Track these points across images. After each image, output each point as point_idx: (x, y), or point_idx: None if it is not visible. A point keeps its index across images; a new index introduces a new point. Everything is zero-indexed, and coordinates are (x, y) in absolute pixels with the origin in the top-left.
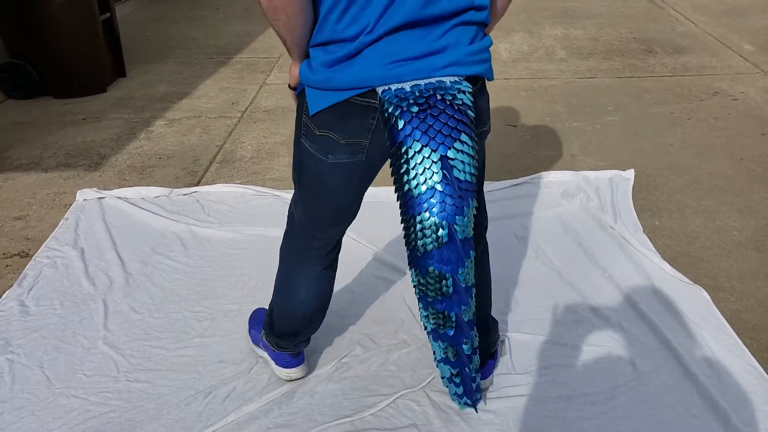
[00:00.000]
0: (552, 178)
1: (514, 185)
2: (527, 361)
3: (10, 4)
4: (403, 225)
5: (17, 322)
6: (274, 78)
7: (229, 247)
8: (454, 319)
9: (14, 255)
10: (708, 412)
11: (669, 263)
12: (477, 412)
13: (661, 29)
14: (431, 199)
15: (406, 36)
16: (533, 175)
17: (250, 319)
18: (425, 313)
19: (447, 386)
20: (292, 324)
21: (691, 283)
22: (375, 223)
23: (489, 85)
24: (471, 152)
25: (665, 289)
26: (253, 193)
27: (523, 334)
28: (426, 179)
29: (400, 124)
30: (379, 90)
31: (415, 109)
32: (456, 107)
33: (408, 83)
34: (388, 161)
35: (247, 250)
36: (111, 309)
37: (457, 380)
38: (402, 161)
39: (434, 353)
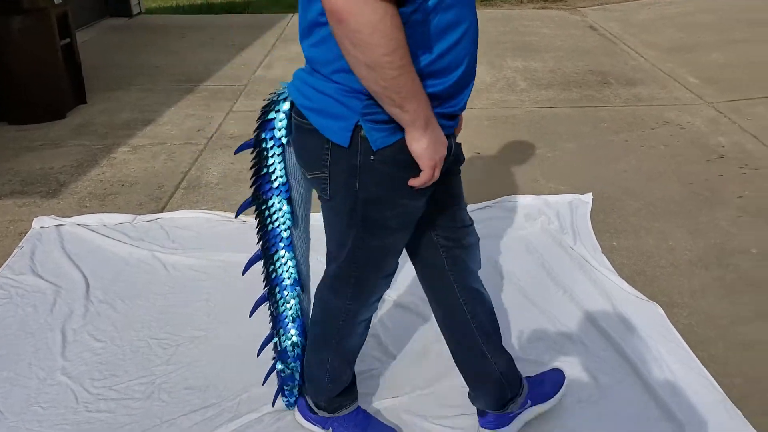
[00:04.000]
0: (515, 202)
1: (480, 209)
2: None
3: None
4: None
5: None
6: (241, 105)
7: (194, 273)
8: None
9: None
10: (665, 422)
11: (626, 281)
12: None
13: (614, 63)
14: None
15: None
16: (498, 199)
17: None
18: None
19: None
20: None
21: (647, 300)
22: None
23: None
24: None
25: (623, 306)
26: (219, 219)
27: None
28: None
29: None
30: None
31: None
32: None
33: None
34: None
35: (212, 275)
36: (69, 338)
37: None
38: None
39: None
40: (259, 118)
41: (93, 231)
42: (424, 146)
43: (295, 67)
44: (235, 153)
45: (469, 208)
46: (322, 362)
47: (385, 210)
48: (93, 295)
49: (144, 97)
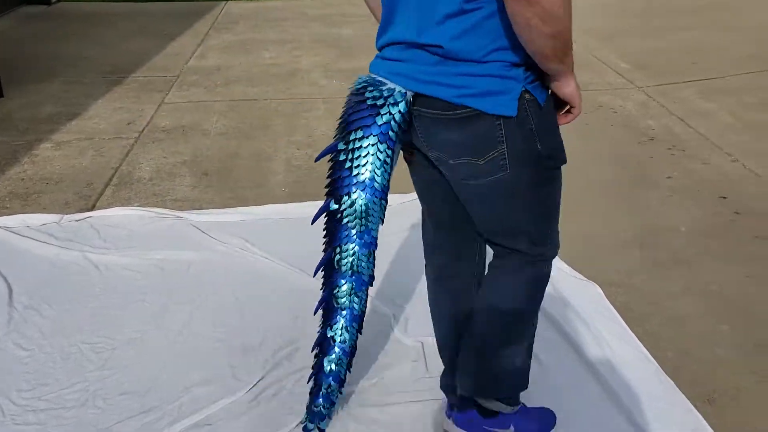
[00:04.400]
0: None
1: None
2: (440, 364)
3: None
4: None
5: None
6: (173, 96)
7: (128, 273)
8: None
9: None
10: (605, 398)
11: (566, 263)
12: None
13: None
14: None
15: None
16: None
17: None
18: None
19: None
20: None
21: (586, 279)
22: (286, 239)
23: None
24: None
25: (563, 287)
26: (153, 216)
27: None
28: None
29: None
30: None
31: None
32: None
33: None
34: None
35: (148, 275)
36: None
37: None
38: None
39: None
40: (353, 122)
41: (15, 233)
42: (573, 86)
43: (229, 57)
44: (317, 160)
45: (403, 198)
46: (525, 347)
47: (560, 153)
48: (17, 302)
49: (68, 89)
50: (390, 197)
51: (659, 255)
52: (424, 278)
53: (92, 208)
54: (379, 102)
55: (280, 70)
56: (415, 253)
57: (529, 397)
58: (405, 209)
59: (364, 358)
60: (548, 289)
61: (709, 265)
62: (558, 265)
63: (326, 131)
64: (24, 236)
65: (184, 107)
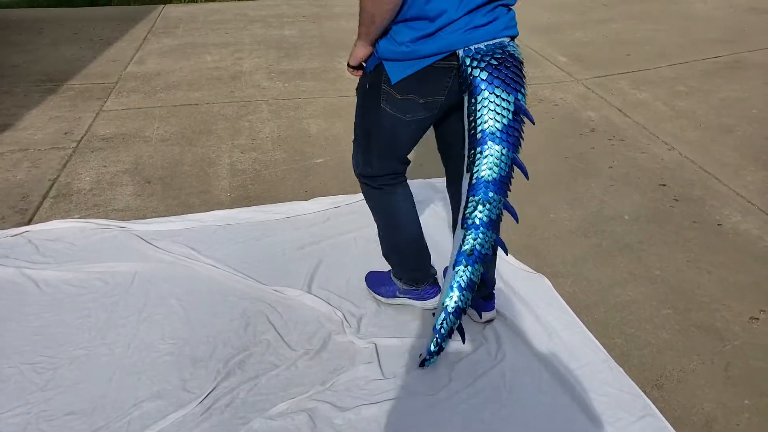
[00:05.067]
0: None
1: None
2: (395, 364)
3: None
4: (471, 157)
5: None
6: (112, 104)
7: (70, 288)
8: (486, 241)
9: None
10: (557, 386)
11: (513, 256)
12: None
13: None
14: (503, 135)
15: (475, 13)
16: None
17: (371, 282)
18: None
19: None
20: (414, 249)
21: (534, 272)
22: (234, 246)
23: (341, 101)
24: (525, 97)
25: (512, 280)
26: (95, 227)
27: (388, 339)
28: (501, 119)
29: (484, 75)
30: (460, 52)
31: (494, 62)
32: (519, 61)
33: (482, 43)
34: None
35: (91, 289)
36: None
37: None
38: (480, 106)
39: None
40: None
41: None
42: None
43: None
44: None
45: (360, 196)
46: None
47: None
48: None
49: (0, 100)
50: (338, 198)
51: (604, 243)
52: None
53: (29, 222)
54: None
55: (222, 73)
56: (366, 254)
57: (482, 392)
58: (353, 210)
59: (316, 362)
60: (498, 282)
61: (652, 251)
62: (505, 258)
63: (270, 133)
64: None
65: (123, 114)
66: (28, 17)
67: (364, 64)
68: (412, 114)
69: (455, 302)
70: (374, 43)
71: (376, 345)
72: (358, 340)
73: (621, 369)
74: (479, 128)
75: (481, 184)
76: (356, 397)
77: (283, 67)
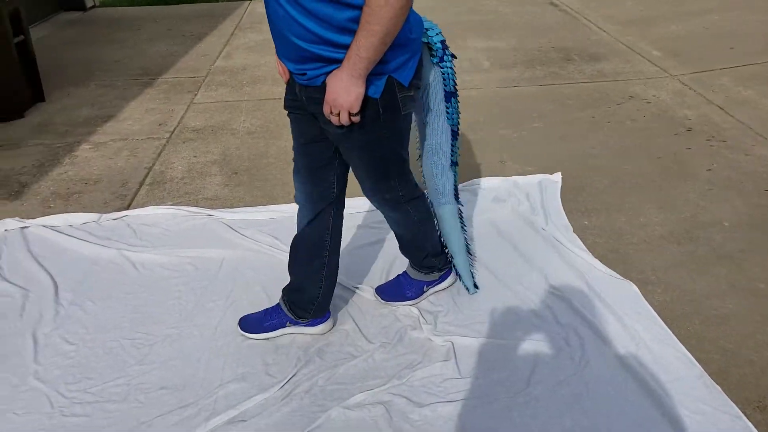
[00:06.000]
0: (483, 185)
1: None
2: (471, 364)
3: None
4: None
5: None
6: (202, 97)
7: (164, 271)
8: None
9: None
10: (644, 398)
11: (599, 260)
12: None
13: (576, 38)
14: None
15: None
16: (464, 183)
17: (389, 295)
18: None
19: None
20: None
21: (621, 278)
22: None
23: None
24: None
25: (597, 285)
26: (186, 214)
27: (466, 338)
28: (454, 76)
29: (440, 43)
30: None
31: (437, 29)
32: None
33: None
34: None
35: (183, 273)
36: (41, 342)
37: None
38: (446, 67)
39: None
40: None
41: (59, 232)
42: None
43: (255, 56)
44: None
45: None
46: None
47: None
48: (62, 298)
49: (103, 92)
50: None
51: (700, 250)
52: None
53: (128, 207)
54: None
55: None
56: None
57: (563, 400)
58: None
59: (392, 355)
60: (582, 287)
61: (755, 261)
62: (591, 262)
63: None
64: (67, 235)
65: (212, 107)
66: (128, 15)
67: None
68: (411, 105)
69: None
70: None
71: (453, 343)
72: (435, 337)
73: (718, 387)
74: (447, 88)
75: (455, 132)
76: (432, 394)
77: None
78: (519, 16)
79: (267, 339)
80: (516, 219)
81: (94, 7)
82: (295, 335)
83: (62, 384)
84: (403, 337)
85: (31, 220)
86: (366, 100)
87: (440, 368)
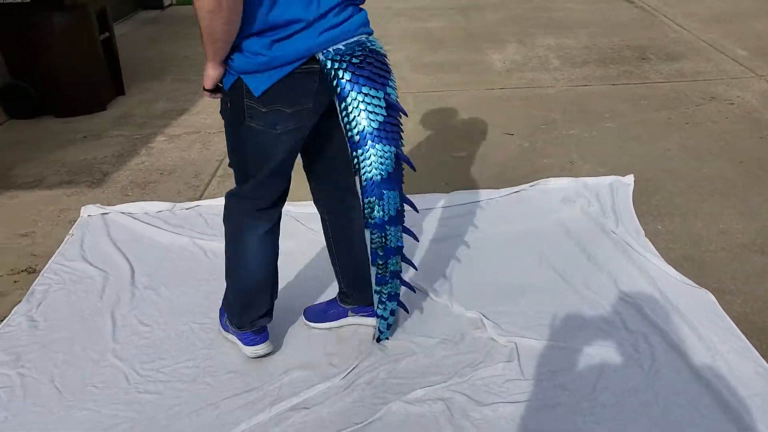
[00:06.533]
0: (551, 184)
1: (514, 192)
2: (535, 367)
3: (12, 25)
4: (355, 160)
5: (26, 337)
6: None
7: None
8: (393, 236)
9: (21, 271)
10: (720, 413)
11: (673, 267)
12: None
13: (653, 36)
14: (380, 133)
15: (327, 15)
16: (533, 183)
17: (220, 310)
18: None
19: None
20: (248, 296)
21: (697, 286)
22: None
23: (485, 94)
24: (395, 89)
25: (670, 292)
26: None
27: (529, 340)
28: (375, 117)
29: (347, 75)
30: (320, 55)
31: (356, 60)
32: (382, 55)
33: (341, 43)
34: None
35: None
36: (119, 323)
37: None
38: (351, 107)
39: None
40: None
41: (136, 219)
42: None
43: None
44: None
45: (502, 192)
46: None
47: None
48: (138, 282)
49: (178, 87)
50: (479, 192)
51: None
52: (510, 283)
53: (200, 197)
54: None
55: None
56: (503, 250)
57: (630, 408)
58: (493, 206)
59: (453, 353)
60: (653, 293)
61: None
62: (663, 268)
63: (413, 127)
64: (143, 222)
65: None
66: None
67: (221, 84)
68: (282, 126)
69: (386, 292)
70: (225, 61)
71: (516, 345)
72: (499, 337)
73: None
74: (355, 130)
75: (372, 185)
76: (494, 394)
77: (428, 60)
78: (590, 14)
79: (329, 329)
80: (585, 220)
81: (171, 5)
82: (357, 327)
83: (137, 362)
84: (465, 335)
85: (110, 207)
86: (223, 88)
87: (503, 368)
